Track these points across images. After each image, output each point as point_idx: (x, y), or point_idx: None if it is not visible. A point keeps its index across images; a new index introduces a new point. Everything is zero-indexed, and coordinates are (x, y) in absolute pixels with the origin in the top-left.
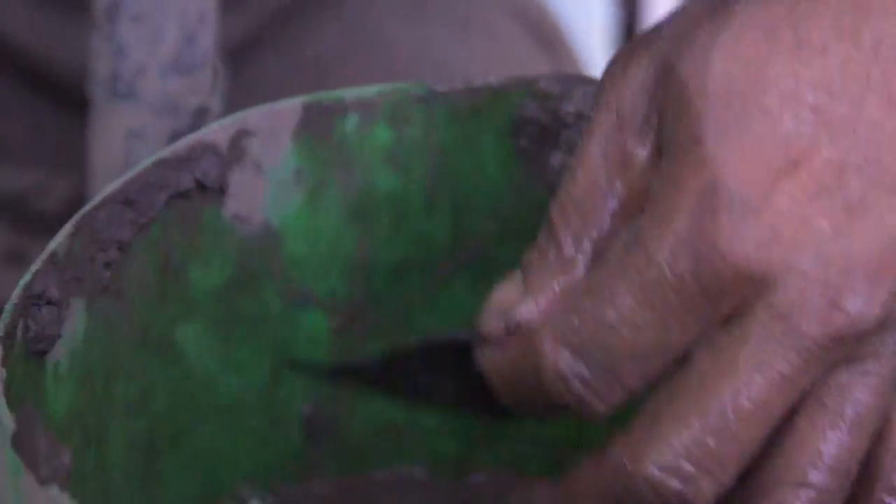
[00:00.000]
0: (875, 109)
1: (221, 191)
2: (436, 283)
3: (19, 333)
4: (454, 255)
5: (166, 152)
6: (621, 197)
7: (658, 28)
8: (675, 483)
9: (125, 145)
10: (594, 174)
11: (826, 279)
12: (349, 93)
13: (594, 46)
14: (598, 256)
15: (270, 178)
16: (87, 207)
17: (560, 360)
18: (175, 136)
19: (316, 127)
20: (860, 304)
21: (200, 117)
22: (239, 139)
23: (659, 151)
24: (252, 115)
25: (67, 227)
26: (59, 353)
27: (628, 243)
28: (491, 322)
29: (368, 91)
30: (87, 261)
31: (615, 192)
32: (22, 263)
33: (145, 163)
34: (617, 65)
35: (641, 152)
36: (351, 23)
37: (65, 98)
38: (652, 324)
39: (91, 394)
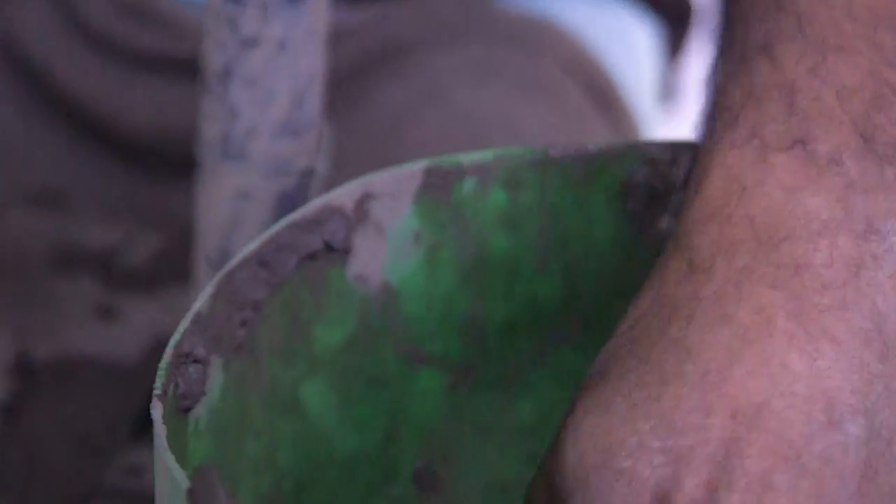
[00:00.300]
0: (720, 430)
1: (346, 252)
2: (546, 342)
3: (170, 391)
4: (564, 314)
5: (297, 215)
6: None
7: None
8: None
9: (233, 205)
10: None
11: None
12: (467, 157)
13: (645, 104)
14: None
15: (391, 240)
16: (227, 268)
17: None
18: (282, 197)
19: (435, 190)
20: None
21: (307, 178)
22: (363, 202)
23: None
24: (376, 179)
25: (209, 288)
26: (200, 410)
27: None
28: None
29: (485, 155)
30: (224, 320)
31: None
32: (112, 318)
33: (278, 225)
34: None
35: None
36: (418, 85)
37: (132, 154)
38: None
39: (224, 450)
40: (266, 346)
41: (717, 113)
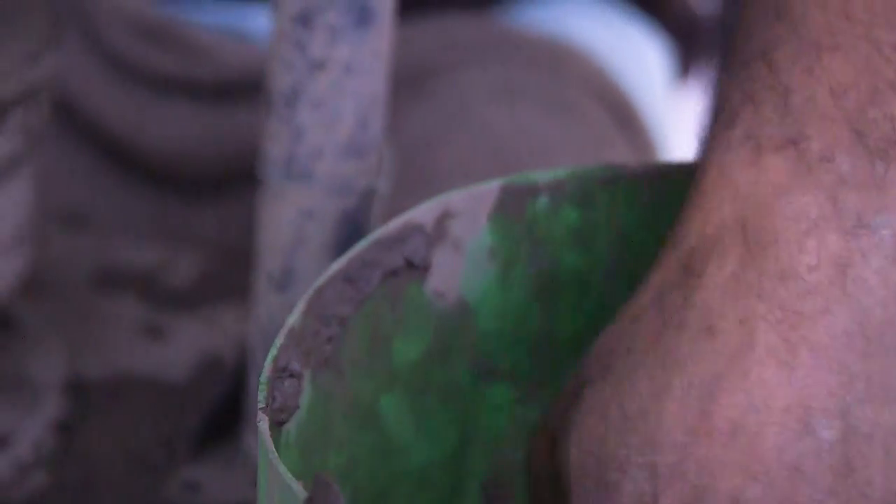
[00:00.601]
0: (697, 448)
1: (426, 269)
2: None
3: (269, 405)
4: None
5: (380, 233)
6: None
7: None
8: None
9: (297, 225)
10: None
11: None
12: (542, 175)
13: (660, 122)
14: None
15: (467, 257)
16: (316, 284)
17: None
18: (345, 216)
19: (510, 207)
20: None
21: (369, 198)
22: (443, 220)
23: None
24: (454, 197)
25: (301, 304)
26: (290, 424)
27: None
28: None
29: (559, 173)
30: (313, 335)
31: None
32: (159, 337)
33: (363, 243)
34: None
35: None
36: (445, 107)
37: (155, 177)
38: None
39: (309, 462)
40: (349, 361)
41: (717, 116)
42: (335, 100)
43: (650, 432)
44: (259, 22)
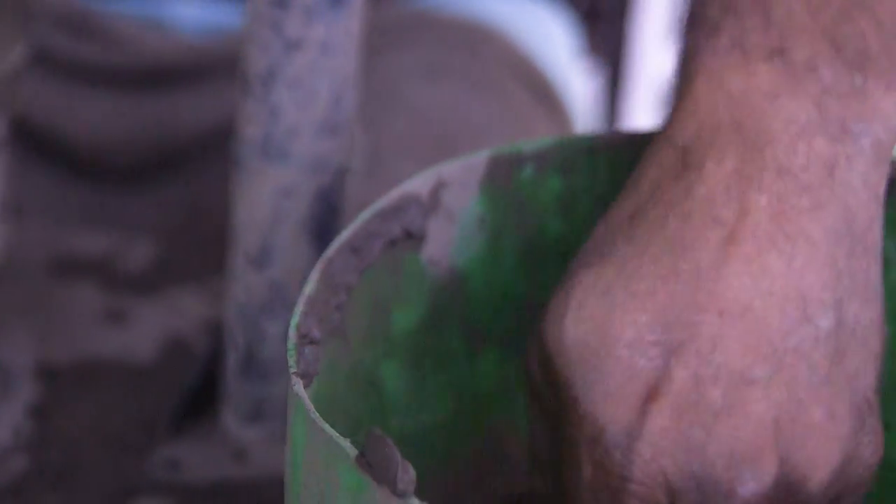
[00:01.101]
0: (708, 326)
1: (421, 238)
2: None
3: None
4: None
5: (381, 204)
6: None
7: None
8: None
9: (274, 203)
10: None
11: (715, 477)
12: (527, 144)
13: (573, 96)
14: None
15: (459, 225)
16: (326, 254)
17: None
18: (321, 193)
19: (498, 177)
20: (752, 486)
21: (343, 174)
22: (437, 190)
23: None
24: (447, 168)
25: (315, 273)
26: (309, 389)
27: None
28: None
29: (544, 142)
30: (324, 304)
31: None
32: (121, 321)
33: (365, 214)
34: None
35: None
36: (380, 88)
37: (80, 166)
38: None
39: None
40: (353, 329)
41: (697, 24)
42: (311, 79)
43: (660, 311)
44: (177, 11)
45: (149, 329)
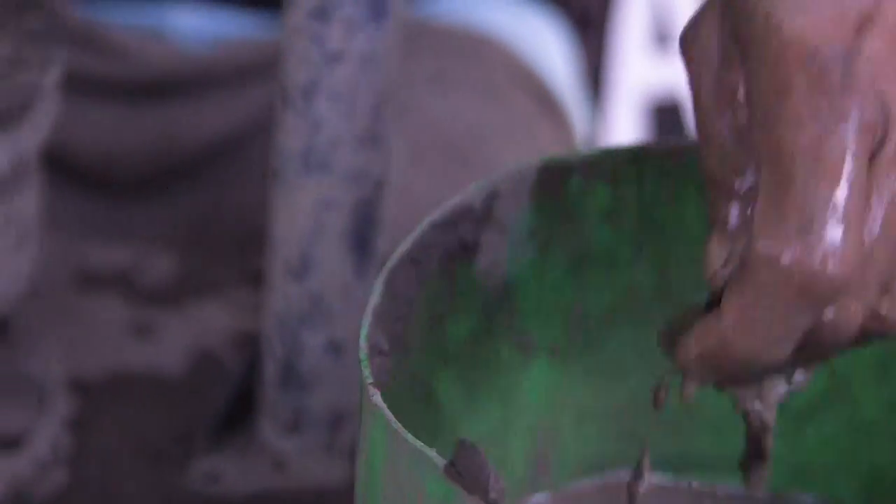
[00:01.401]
0: None
1: (475, 249)
2: (644, 330)
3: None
4: (657, 301)
5: (437, 216)
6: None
7: None
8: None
9: (314, 214)
10: (708, 117)
11: None
12: (575, 154)
13: (572, 103)
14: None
15: (510, 236)
16: (389, 266)
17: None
18: (360, 205)
19: (548, 187)
20: None
21: (382, 186)
22: (490, 201)
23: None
24: (499, 178)
25: (379, 286)
26: None
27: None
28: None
29: (592, 152)
30: (387, 316)
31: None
32: (148, 334)
33: (423, 225)
34: (690, 25)
35: (736, 78)
36: None
37: (83, 179)
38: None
39: None
40: (412, 340)
41: None
42: (352, 91)
43: None
44: (179, 21)
45: (176, 341)
